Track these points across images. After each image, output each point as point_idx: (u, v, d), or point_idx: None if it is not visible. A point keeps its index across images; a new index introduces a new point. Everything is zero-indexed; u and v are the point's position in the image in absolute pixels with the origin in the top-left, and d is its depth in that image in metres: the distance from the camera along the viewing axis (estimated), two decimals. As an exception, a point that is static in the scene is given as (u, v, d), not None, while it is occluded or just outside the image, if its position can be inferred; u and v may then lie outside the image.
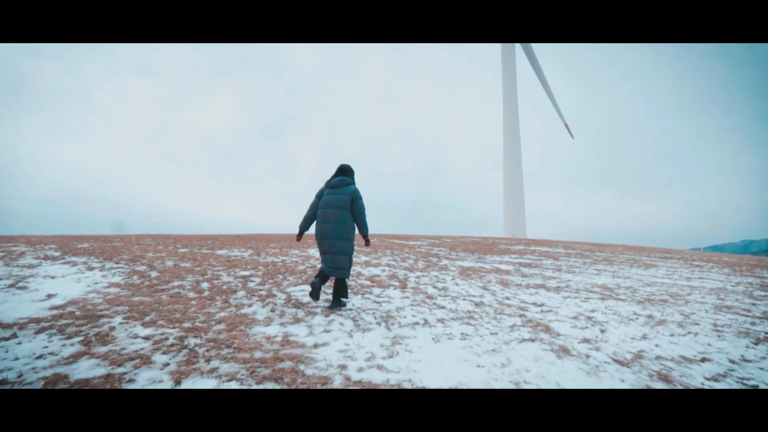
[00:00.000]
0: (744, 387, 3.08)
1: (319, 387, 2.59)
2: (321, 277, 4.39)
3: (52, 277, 4.98)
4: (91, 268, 5.59)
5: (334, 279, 4.58)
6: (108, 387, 2.45)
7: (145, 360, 2.83)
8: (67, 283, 4.76)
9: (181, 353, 2.97)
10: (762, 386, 3.10)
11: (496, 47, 44.07)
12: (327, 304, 4.57)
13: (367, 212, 4.58)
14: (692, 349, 3.85)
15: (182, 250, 7.71)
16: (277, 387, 2.55)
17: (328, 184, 4.59)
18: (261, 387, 2.54)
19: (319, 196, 4.60)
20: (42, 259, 5.95)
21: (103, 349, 2.96)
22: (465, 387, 2.75)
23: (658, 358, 3.55)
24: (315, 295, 4.29)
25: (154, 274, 5.49)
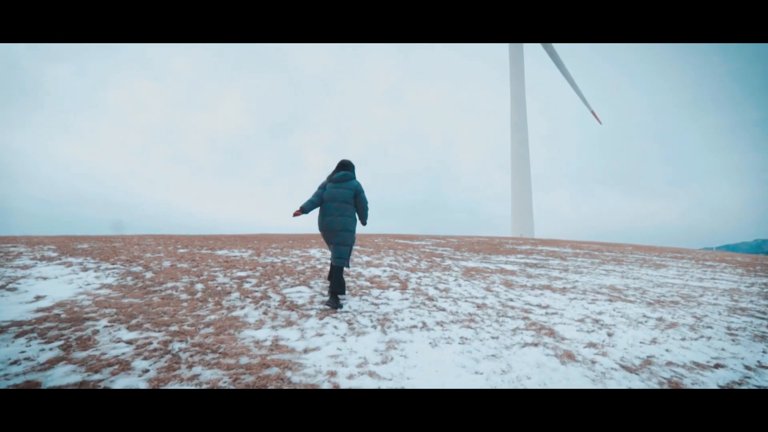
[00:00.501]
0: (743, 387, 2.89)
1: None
2: (331, 293, 4.59)
3: (45, 279, 4.88)
4: (85, 269, 5.49)
5: (331, 271, 4.69)
6: (81, 395, 2.32)
7: (124, 366, 2.70)
8: (59, 285, 4.65)
9: (163, 359, 2.84)
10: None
11: (503, 47, 43.72)
12: (324, 306, 4.42)
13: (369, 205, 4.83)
14: (705, 354, 3.65)
15: (181, 251, 7.61)
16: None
17: (331, 179, 4.73)
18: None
19: (322, 188, 4.71)
20: (38, 260, 5.87)
21: (82, 354, 2.84)
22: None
23: (668, 364, 3.36)
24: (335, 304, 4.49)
25: (148, 275, 5.38)
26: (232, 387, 2.50)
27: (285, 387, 2.55)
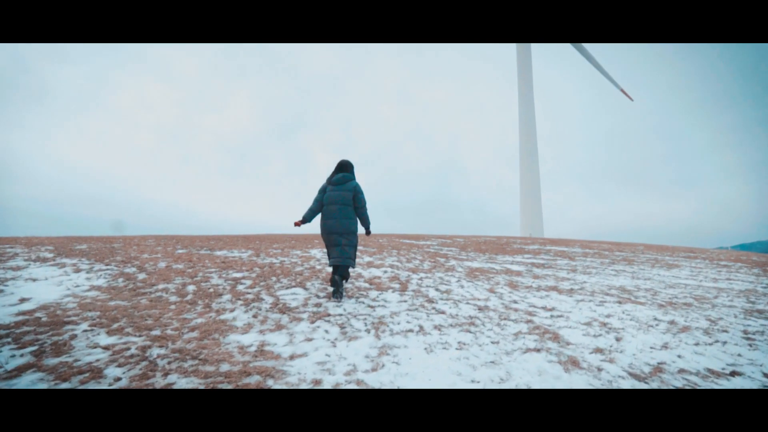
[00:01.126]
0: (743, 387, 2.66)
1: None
2: (339, 276, 4.65)
3: (34, 280, 4.77)
4: (78, 270, 5.38)
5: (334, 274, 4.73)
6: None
7: (95, 374, 2.54)
8: (47, 287, 4.54)
9: (139, 366, 2.68)
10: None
11: (511, 47, 43.37)
12: (317, 309, 4.25)
13: (368, 205, 4.83)
14: (720, 360, 3.41)
15: (180, 251, 7.49)
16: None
17: (330, 181, 4.75)
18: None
19: (322, 191, 4.75)
20: (32, 261, 5.78)
21: (53, 361, 2.69)
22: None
23: (680, 371, 3.13)
24: (338, 295, 4.58)
25: (141, 276, 5.25)
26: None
27: (264, 397, 2.38)
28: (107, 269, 5.54)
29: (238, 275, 5.59)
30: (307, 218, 4.70)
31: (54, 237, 9.23)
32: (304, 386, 2.56)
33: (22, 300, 4.00)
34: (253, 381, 2.56)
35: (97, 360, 2.74)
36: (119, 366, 2.67)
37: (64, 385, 2.39)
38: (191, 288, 4.76)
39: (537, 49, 40.63)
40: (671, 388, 2.77)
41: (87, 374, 2.53)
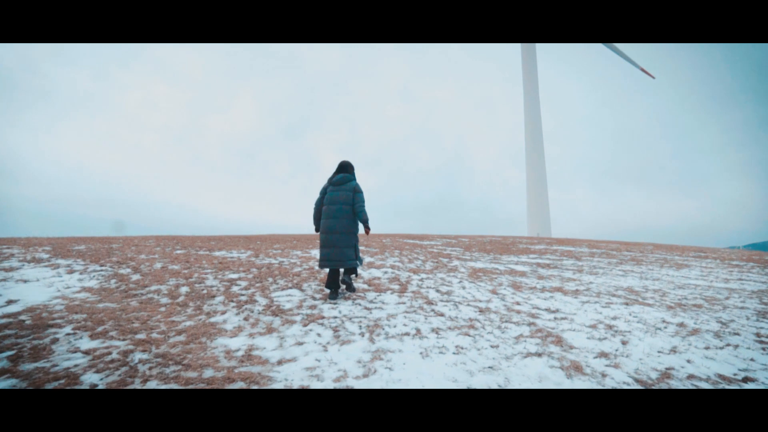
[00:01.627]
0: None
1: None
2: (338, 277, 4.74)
3: (25, 281, 4.67)
4: (71, 272, 5.29)
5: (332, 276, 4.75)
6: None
7: (71, 380, 2.42)
8: (37, 288, 4.44)
9: (118, 372, 2.56)
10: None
11: (515, 46, 43.15)
12: (312, 311, 4.12)
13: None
14: (732, 365, 3.24)
15: (178, 252, 7.40)
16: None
17: (331, 182, 4.80)
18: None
19: (323, 193, 4.81)
20: (26, 262, 5.70)
21: (29, 367, 2.58)
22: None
23: (689, 377, 2.96)
24: (334, 295, 4.65)
25: (135, 277, 5.15)
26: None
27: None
28: (101, 270, 5.44)
29: (234, 276, 5.48)
30: (317, 225, 4.87)
31: (54, 237, 9.17)
32: (289, 394, 2.42)
33: (9, 302, 3.90)
34: (236, 388, 2.43)
35: (76, 365, 2.63)
36: (98, 372, 2.55)
37: (37, 393, 2.28)
38: (184, 289, 4.65)
39: (542, 47, 40.35)
40: (669, 388, 2.61)
41: (63, 381, 2.41)
